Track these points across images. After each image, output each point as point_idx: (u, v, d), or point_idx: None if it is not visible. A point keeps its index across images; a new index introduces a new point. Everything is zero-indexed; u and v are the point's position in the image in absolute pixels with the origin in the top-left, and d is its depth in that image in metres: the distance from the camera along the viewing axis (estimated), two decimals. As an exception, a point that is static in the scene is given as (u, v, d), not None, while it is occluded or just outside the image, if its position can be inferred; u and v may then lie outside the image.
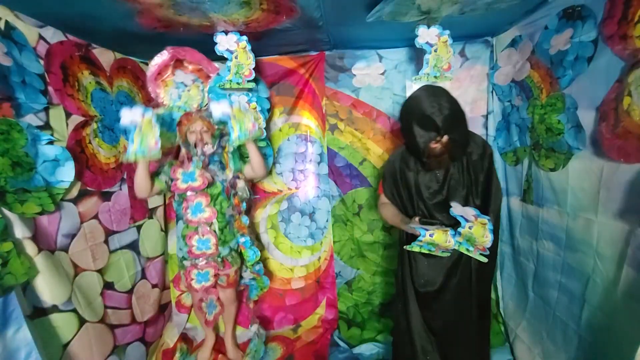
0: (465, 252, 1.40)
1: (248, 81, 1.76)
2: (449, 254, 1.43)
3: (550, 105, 1.56)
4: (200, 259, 1.83)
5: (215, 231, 1.82)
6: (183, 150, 1.84)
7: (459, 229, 1.34)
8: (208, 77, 1.92)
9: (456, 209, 1.33)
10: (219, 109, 1.64)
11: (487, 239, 1.32)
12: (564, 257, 1.55)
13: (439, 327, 1.55)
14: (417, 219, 1.47)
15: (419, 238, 1.37)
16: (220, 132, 1.83)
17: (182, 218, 1.83)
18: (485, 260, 1.37)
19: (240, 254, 1.98)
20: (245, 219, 1.92)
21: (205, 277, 1.85)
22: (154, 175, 1.75)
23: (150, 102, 2.10)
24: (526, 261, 1.85)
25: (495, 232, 1.40)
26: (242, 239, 1.91)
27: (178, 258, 1.96)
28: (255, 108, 1.83)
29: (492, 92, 2.07)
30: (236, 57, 1.71)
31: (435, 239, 1.35)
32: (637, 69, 1.11)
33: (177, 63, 1.84)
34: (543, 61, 1.61)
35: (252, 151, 1.79)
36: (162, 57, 1.77)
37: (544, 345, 1.69)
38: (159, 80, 1.84)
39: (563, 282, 1.56)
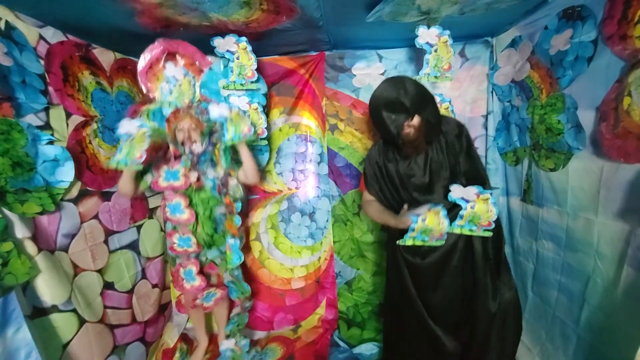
0: (469, 234, 1.39)
1: (251, 82, 1.75)
2: (442, 242, 1.41)
3: (550, 105, 1.56)
4: (183, 256, 1.81)
5: (194, 232, 1.78)
6: (171, 148, 1.78)
7: (461, 212, 1.34)
8: (200, 71, 1.87)
9: (456, 192, 1.33)
10: (216, 111, 1.65)
11: (492, 213, 1.33)
12: (563, 257, 1.55)
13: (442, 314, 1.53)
14: (405, 206, 1.46)
15: (412, 227, 1.35)
16: (210, 129, 1.79)
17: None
18: (490, 234, 1.37)
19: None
20: (237, 220, 1.84)
21: (191, 276, 1.82)
22: (140, 174, 1.72)
23: (145, 97, 2.08)
24: (526, 261, 1.85)
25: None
26: (230, 240, 1.81)
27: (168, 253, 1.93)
28: (257, 109, 1.83)
29: (492, 92, 2.07)
30: (237, 58, 1.71)
31: (428, 223, 1.34)
32: (637, 69, 1.11)
33: (169, 56, 1.79)
34: (543, 61, 1.61)
35: (245, 155, 1.76)
36: (153, 50, 1.73)
37: (543, 345, 1.69)
38: (150, 73, 1.79)
39: (563, 282, 1.56)
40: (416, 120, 1.35)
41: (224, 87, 1.78)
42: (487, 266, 1.44)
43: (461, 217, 1.35)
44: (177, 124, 1.72)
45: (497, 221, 1.38)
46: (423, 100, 1.36)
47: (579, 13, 1.38)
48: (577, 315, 1.45)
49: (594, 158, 1.33)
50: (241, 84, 1.75)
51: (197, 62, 1.82)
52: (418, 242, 1.41)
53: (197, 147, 1.72)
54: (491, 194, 1.31)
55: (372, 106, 1.44)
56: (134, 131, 1.51)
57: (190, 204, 1.75)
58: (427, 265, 1.49)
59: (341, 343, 2.20)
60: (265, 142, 1.85)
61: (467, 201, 1.33)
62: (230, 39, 1.66)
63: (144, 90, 1.84)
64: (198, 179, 1.76)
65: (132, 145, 1.51)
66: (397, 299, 1.63)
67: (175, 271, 1.85)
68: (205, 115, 1.76)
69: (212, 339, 2.16)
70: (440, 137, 1.45)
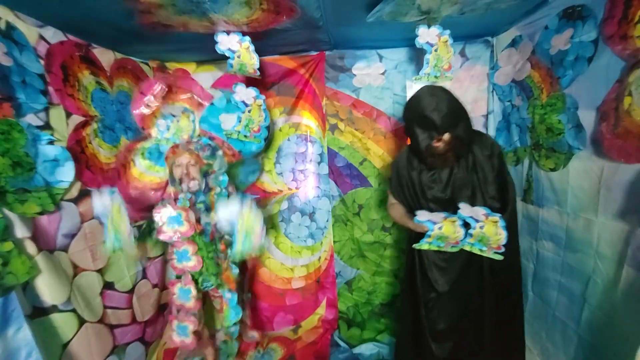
0: (479, 253, 1.38)
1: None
2: (458, 249, 1.41)
3: (550, 105, 1.56)
4: (180, 311, 1.72)
5: (197, 279, 1.73)
6: (170, 189, 1.70)
7: (470, 231, 1.34)
8: (199, 104, 1.80)
9: (464, 210, 1.33)
10: (224, 217, 1.55)
11: (501, 237, 1.31)
12: (563, 257, 1.55)
13: (446, 331, 1.54)
14: (423, 211, 1.46)
15: (428, 233, 1.36)
16: (209, 167, 1.70)
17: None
18: (500, 258, 1.36)
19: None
20: (235, 271, 1.75)
21: (184, 332, 1.73)
22: (144, 234, 1.69)
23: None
24: (526, 261, 1.85)
25: (515, 229, 1.39)
26: (228, 295, 1.71)
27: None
28: (261, 105, 1.81)
29: (492, 92, 2.07)
30: (239, 57, 1.70)
31: (444, 231, 1.35)
32: (638, 69, 1.11)
33: (167, 93, 1.74)
34: (543, 61, 1.61)
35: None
36: (151, 89, 1.69)
37: (543, 346, 1.69)
38: (148, 112, 1.74)
39: (563, 282, 1.56)
40: (446, 136, 1.34)
41: (227, 133, 1.76)
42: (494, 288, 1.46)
43: (470, 235, 1.35)
44: (174, 159, 1.63)
45: (514, 245, 1.37)
46: (455, 118, 1.35)
47: (579, 13, 1.37)
48: (577, 315, 1.45)
49: (594, 158, 1.33)
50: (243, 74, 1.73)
51: (195, 96, 1.77)
52: (434, 247, 1.42)
53: (195, 185, 1.63)
54: (500, 217, 1.29)
55: (405, 117, 1.44)
56: (108, 206, 1.48)
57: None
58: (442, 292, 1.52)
59: (341, 343, 2.20)
60: (260, 140, 1.82)
61: (477, 220, 1.32)
62: (234, 37, 1.65)
63: (139, 128, 1.77)
64: (198, 221, 1.68)
65: (114, 224, 1.48)
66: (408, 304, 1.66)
67: (169, 322, 1.77)
68: (205, 152, 1.68)
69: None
70: (469, 154, 1.44)
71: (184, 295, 1.71)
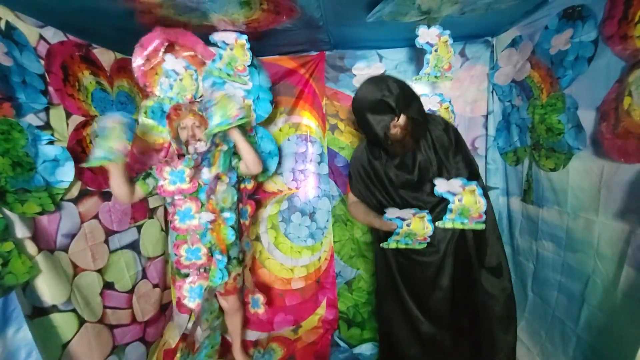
0: (461, 227, 1.38)
1: (239, 76, 1.70)
2: (425, 245, 1.41)
3: (550, 105, 1.56)
4: (191, 271, 1.68)
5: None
6: (173, 146, 1.67)
7: (449, 206, 1.34)
8: (202, 63, 1.73)
9: (441, 186, 1.33)
10: (207, 96, 1.50)
11: (481, 204, 1.33)
12: (563, 257, 1.55)
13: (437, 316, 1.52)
14: (392, 209, 1.43)
15: (397, 231, 1.36)
16: None
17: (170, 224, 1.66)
18: (483, 227, 1.37)
19: (242, 260, 1.85)
20: (230, 233, 1.65)
21: (199, 292, 1.69)
22: (139, 178, 1.63)
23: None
24: (526, 261, 1.85)
25: (485, 196, 1.38)
26: (218, 256, 1.63)
27: (172, 266, 1.80)
28: (251, 106, 1.79)
29: (492, 92, 2.07)
30: (231, 49, 1.66)
31: (412, 227, 1.34)
32: (638, 69, 1.11)
33: (168, 47, 1.65)
34: (543, 61, 1.61)
35: (241, 144, 1.56)
36: (151, 41, 1.59)
37: (543, 346, 1.69)
38: (147, 66, 1.66)
39: (563, 282, 1.56)
40: (402, 119, 1.34)
41: (206, 72, 1.67)
42: (481, 262, 1.44)
43: (450, 210, 1.35)
44: (179, 121, 1.63)
45: (489, 215, 1.37)
46: (408, 99, 1.34)
47: (579, 13, 1.38)
48: (576, 315, 1.45)
49: (594, 158, 1.33)
50: (228, 74, 1.67)
51: (199, 54, 1.70)
52: (401, 246, 1.41)
53: (202, 146, 1.61)
54: (477, 184, 1.31)
55: (356, 109, 1.41)
56: (110, 124, 1.36)
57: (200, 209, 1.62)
58: (420, 265, 1.49)
59: (341, 343, 2.20)
60: (271, 141, 1.81)
61: (454, 194, 1.33)
62: (232, 34, 1.64)
63: (141, 86, 1.72)
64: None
65: (109, 137, 1.35)
66: (387, 296, 1.63)
67: (178, 287, 1.72)
68: (209, 111, 1.59)
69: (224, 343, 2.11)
70: (426, 134, 1.45)
71: (192, 254, 1.63)
